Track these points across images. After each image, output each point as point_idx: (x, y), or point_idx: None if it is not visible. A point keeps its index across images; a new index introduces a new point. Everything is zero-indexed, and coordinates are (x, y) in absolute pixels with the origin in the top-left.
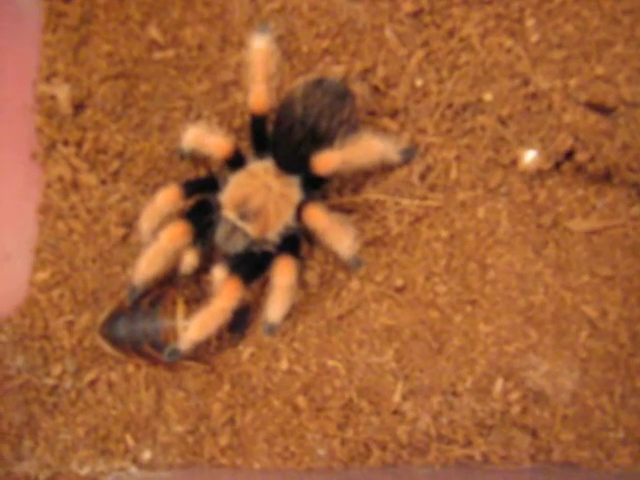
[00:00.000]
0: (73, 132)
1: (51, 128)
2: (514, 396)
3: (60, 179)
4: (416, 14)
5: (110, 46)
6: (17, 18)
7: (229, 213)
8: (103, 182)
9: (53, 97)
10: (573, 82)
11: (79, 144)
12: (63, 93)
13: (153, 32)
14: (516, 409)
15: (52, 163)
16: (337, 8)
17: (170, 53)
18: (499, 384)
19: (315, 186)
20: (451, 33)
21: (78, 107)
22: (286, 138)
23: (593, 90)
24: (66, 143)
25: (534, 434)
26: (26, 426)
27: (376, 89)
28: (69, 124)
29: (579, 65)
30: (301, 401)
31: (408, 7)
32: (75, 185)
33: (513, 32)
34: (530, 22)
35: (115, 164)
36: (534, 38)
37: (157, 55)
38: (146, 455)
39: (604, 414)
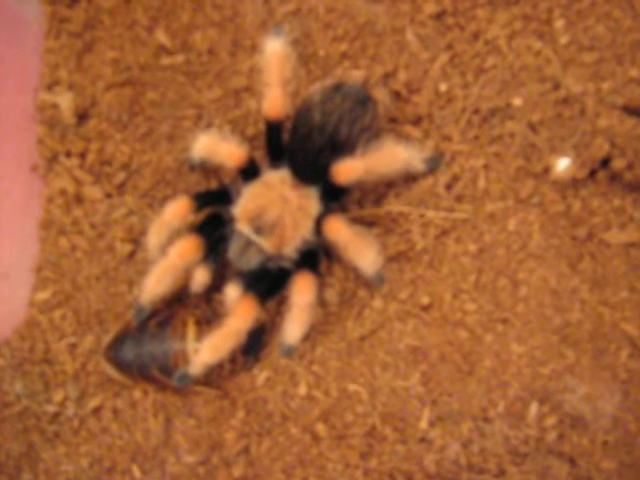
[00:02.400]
0: (76, 143)
1: (53, 139)
2: (550, 421)
3: (62, 193)
4: (438, 16)
5: (115, 52)
6: (18, 24)
7: (243, 227)
8: (108, 195)
9: (55, 106)
10: (606, 86)
11: (82, 155)
12: (66, 102)
13: (161, 37)
14: (552, 435)
15: (54, 176)
16: (355, 10)
17: (179, 59)
18: (534, 408)
19: (334, 198)
20: (476, 35)
21: (82, 116)
22: (303, 146)
23: (628, 94)
24: (69, 154)
25: (572, 462)
26: (25, 457)
27: (398, 95)
28: (72, 134)
29: (612, 68)
30: (321, 429)
31: (430, 8)
32: (78, 199)
33: (542, 34)
34: (559, 23)
35: (121, 176)
36: (564, 40)
37: (165, 61)
38: None
39: None
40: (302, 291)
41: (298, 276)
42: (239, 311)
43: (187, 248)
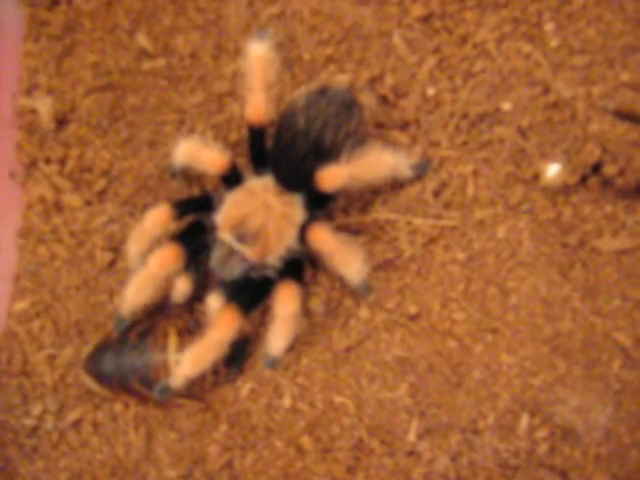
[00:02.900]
0: (55, 149)
1: (32, 145)
2: (541, 433)
3: (41, 200)
4: (426, 19)
5: (96, 56)
6: None
7: (225, 235)
8: (88, 203)
9: (34, 111)
10: (597, 90)
11: (62, 162)
12: (45, 107)
13: (142, 40)
14: (543, 448)
15: (33, 183)
16: (341, 13)
17: (160, 63)
18: (524, 420)
19: (319, 205)
20: (464, 39)
21: (61, 122)
22: (287, 152)
23: (619, 98)
24: (48, 161)
25: (564, 475)
26: (2, 472)
27: (384, 99)
28: (51, 140)
29: (603, 72)
30: (306, 442)
31: (417, 11)
32: (58, 206)
33: (531, 37)
34: (549, 26)
35: (101, 183)
36: (554, 43)
37: (146, 65)
38: None
39: None
40: (286, 301)
41: (282, 286)
42: (221, 322)
43: (167, 257)
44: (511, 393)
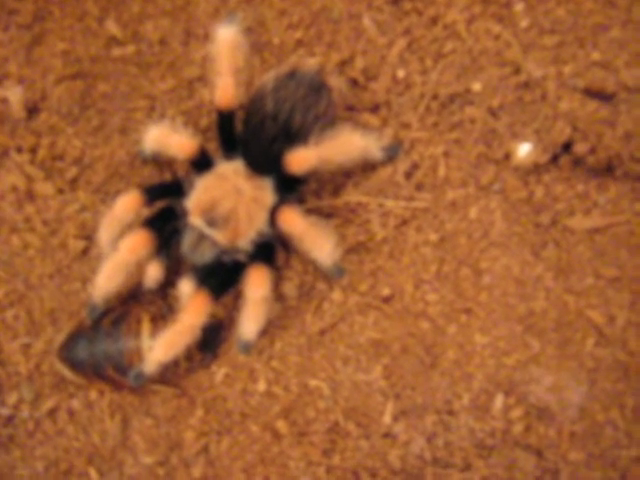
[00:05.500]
0: (27, 138)
1: (3, 134)
2: (516, 413)
3: (13, 189)
4: (396, 1)
5: (66, 44)
6: None
7: (196, 220)
8: (60, 191)
9: (4, 100)
10: (568, 69)
11: (33, 150)
12: (15, 96)
13: (111, 27)
14: (518, 427)
15: (4, 172)
16: None
17: (130, 49)
18: (499, 400)
19: (290, 188)
20: (434, 20)
21: (32, 110)
22: (257, 136)
23: (590, 77)
24: (19, 150)
25: (539, 454)
26: None
27: (355, 82)
28: (22, 129)
29: (573, 51)
30: (282, 426)
31: None
32: (30, 195)
33: (501, 17)
34: (519, 6)
35: (73, 171)
36: (524, 23)
37: (116, 52)
38: None
39: (616, 430)
40: (256, 284)
41: (252, 269)
42: (192, 306)
43: (137, 242)
44: (485, 373)
